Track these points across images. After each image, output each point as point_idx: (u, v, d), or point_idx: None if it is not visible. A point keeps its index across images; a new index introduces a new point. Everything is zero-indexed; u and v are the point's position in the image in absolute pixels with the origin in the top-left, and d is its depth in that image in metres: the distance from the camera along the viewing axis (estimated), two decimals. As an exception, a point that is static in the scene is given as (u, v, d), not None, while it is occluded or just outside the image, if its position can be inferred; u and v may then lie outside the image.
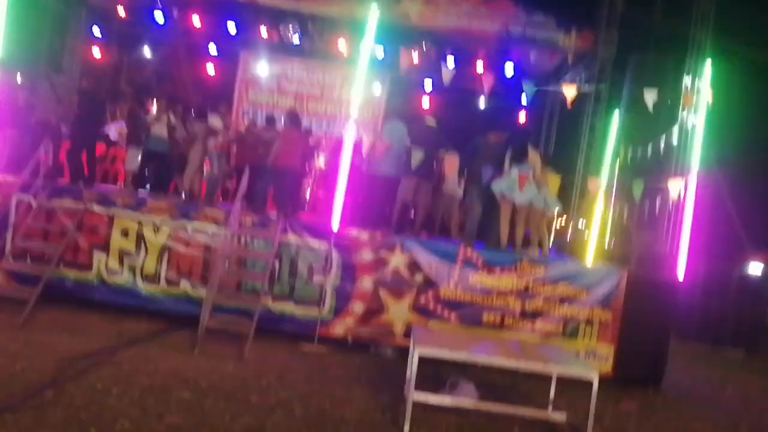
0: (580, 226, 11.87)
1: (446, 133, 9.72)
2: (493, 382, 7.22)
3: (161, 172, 10.65)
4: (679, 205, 9.36)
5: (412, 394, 5.61)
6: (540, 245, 9.06)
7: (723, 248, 13.93)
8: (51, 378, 5.54)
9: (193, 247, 8.29)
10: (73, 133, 10.09)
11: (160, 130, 10.28)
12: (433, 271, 8.23)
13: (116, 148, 11.96)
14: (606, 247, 11.01)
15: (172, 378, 6.03)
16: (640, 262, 9.70)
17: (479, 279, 8.24)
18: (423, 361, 5.54)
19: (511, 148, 9.47)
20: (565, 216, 13.21)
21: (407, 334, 7.62)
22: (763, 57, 13.76)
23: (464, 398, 6.22)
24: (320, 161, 12.88)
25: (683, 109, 10.11)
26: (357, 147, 9.54)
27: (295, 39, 14.26)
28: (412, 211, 9.69)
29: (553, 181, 9.19)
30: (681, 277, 8.63)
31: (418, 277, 8.23)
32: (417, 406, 5.74)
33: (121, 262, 8.28)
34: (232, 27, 14.19)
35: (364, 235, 8.31)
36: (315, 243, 8.29)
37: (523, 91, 14.11)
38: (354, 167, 8.96)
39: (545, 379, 6.48)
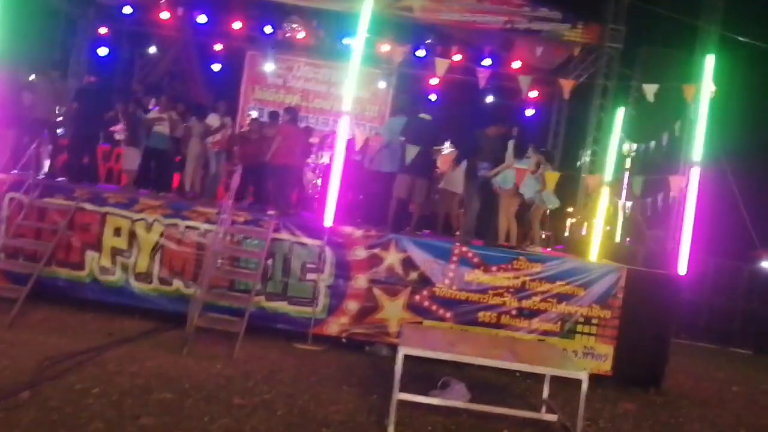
0: (583, 223, 11.69)
1: (452, 128, 9.58)
2: (488, 382, 7.08)
3: (163, 169, 10.63)
4: (683, 200, 9.14)
5: (396, 395, 5.48)
6: (537, 241, 8.89)
7: (732, 244, 13.64)
8: (29, 378, 5.45)
9: (185, 245, 8.20)
10: (75, 132, 10.08)
11: (162, 127, 10.29)
12: (428, 269, 8.08)
13: (121, 147, 11.95)
14: (612, 245, 10.84)
15: (155, 378, 5.94)
16: (648, 259, 9.49)
17: (475, 277, 8.07)
18: (416, 360, 5.41)
19: (513, 142, 9.31)
20: (567, 213, 13.05)
21: (402, 332, 7.48)
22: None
23: (453, 399, 6.09)
24: (326, 159, 12.78)
25: (690, 103, 9.89)
26: (350, 143, 9.42)
27: (301, 36, 14.21)
28: (411, 208, 9.54)
29: (553, 177, 9.02)
30: (683, 272, 8.37)
31: (413, 275, 8.07)
32: (406, 406, 5.63)
33: (113, 260, 8.21)
34: (237, 24, 14.20)
35: (358, 233, 8.18)
36: (309, 241, 8.17)
37: (528, 86, 13.91)
38: (350, 163, 8.85)
39: (541, 378, 6.34)
